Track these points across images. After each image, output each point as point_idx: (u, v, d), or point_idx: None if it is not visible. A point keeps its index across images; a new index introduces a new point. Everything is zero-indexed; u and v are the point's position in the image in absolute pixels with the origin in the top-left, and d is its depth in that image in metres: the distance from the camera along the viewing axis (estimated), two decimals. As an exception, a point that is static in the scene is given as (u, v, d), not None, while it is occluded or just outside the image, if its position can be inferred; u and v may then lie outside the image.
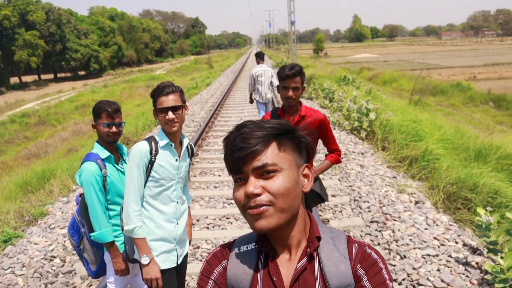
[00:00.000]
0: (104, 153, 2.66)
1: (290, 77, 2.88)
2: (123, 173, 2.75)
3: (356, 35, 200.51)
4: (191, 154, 2.69)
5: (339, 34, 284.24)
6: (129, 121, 14.37)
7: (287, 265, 1.11)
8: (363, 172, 6.27)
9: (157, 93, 2.40)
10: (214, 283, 1.16)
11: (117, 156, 2.78)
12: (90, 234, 2.60)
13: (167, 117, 2.36)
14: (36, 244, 4.61)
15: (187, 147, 2.60)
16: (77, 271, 4.05)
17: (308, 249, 1.10)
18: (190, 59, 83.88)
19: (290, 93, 2.90)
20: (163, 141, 2.44)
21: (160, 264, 2.47)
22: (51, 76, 63.23)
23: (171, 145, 2.46)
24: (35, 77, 60.81)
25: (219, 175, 6.93)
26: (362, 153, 7.37)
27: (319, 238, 1.11)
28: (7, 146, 19.66)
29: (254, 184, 1.04)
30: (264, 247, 1.14)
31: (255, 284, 1.12)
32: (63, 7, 65.14)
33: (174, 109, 2.37)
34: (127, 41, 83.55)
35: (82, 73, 64.86)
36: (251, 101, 8.83)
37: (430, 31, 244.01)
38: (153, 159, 2.40)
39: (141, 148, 2.38)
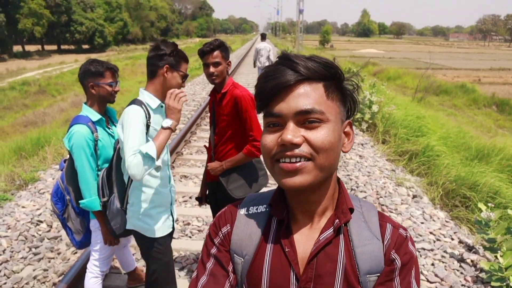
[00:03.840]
0: (95, 116, 2.51)
1: (208, 52, 2.70)
2: (113, 136, 2.63)
3: (363, 30, 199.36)
4: None
5: (347, 27, 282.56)
6: (129, 97, 14.20)
7: (307, 234, 0.94)
8: (362, 163, 6.17)
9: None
10: (217, 249, 1.00)
11: (107, 119, 2.65)
12: (79, 202, 2.45)
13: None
14: (23, 207, 4.51)
15: None
16: (63, 237, 3.96)
17: (337, 221, 0.91)
18: (195, 41, 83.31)
19: (211, 69, 2.70)
20: (155, 103, 2.28)
21: (159, 231, 2.39)
22: (54, 47, 62.67)
23: (162, 106, 2.32)
24: (39, 47, 60.25)
25: (191, 154, 6.82)
26: (362, 144, 7.27)
27: (351, 210, 0.94)
28: (5, 112, 19.45)
29: (294, 132, 0.84)
30: (278, 212, 0.96)
31: (263, 253, 0.95)
32: (71, -22, 64.21)
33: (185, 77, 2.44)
34: (133, 18, 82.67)
35: (86, 46, 64.21)
36: (254, 66, 12.51)
37: (438, 32, 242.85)
38: (148, 123, 2.23)
39: (139, 113, 2.18)
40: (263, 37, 13.18)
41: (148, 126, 2.22)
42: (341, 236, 0.92)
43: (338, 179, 0.99)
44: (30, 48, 57.75)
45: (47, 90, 24.98)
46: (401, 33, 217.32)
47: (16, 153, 7.30)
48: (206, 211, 4.71)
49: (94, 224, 2.58)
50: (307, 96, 0.85)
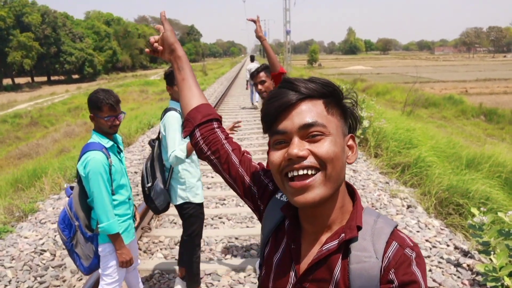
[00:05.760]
0: (108, 143, 2.58)
1: (255, 75, 3.40)
2: (122, 162, 2.72)
3: (350, 48, 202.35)
4: None
5: (334, 46, 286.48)
6: (123, 124, 14.29)
7: (312, 241, 1.00)
8: (355, 177, 6.30)
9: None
10: (265, 188, 1.16)
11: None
12: (99, 226, 2.50)
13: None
14: (26, 238, 4.56)
15: None
16: (67, 265, 4.01)
17: (343, 235, 0.93)
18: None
19: (259, 86, 3.38)
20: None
21: (202, 198, 3.35)
22: (44, 78, 62.84)
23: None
24: (28, 79, 60.42)
25: (212, 177, 6.92)
26: (355, 159, 7.40)
27: (359, 228, 0.94)
28: (-2, 146, 19.43)
29: (299, 146, 0.90)
30: (286, 210, 1.04)
31: (277, 241, 1.06)
32: (59, 10, 64.94)
33: None
34: (122, 46, 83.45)
35: (76, 76, 64.51)
36: (247, 88, 14.93)
37: (423, 46, 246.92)
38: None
39: (177, 117, 3.06)
40: (252, 58, 15.72)
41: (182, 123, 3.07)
42: (343, 251, 0.93)
43: (356, 194, 1.02)
44: (20, 80, 57.89)
45: (39, 121, 25.00)
46: (387, 49, 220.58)
47: (12, 185, 7.34)
48: (206, 232, 4.78)
49: (104, 249, 2.62)
50: (309, 111, 0.92)
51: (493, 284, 3.08)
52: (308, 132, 0.91)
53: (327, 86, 0.95)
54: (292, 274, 0.99)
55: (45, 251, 4.25)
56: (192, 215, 3.31)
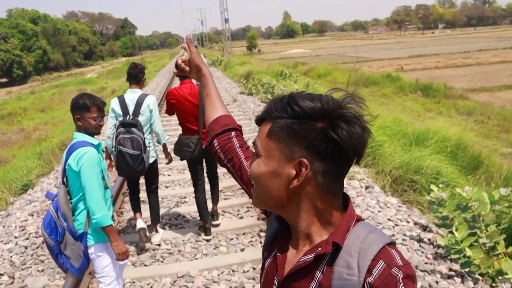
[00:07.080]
0: (95, 141, 2.69)
1: None
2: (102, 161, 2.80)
3: (287, 32, 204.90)
4: None
5: (271, 30, 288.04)
6: (64, 127, 13.67)
7: (293, 252, 1.01)
8: (313, 163, 6.41)
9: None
10: None
11: None
12: (92, 218, 2.53)
13: None
14: (-23, 263, 4.24)
15: None
16: (29, 286, 3.79)
17: (319, 249, 0.92)
18: (121, 61, 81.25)
19: None
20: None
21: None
22: (-32, 84, 58.46)
23: None
24: (-50, 86, 55.92)
25: (169, 175, 6.79)
26: (310, 145, 7.54)
27: (335, 244, 0.91)
28: None
29: (252, 159, 1.03)
30: (279, 218, 1.06)
31: (271, 248, 1.10)
32: (-22, 9, 60.28)
33: None
34: (52, 45, 79.19)
35: (3, 80, 60.53)
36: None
37: (358, 26, 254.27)
38: None
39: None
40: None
41: None
42: (324, 264, 0.92)
43: (348, 209, 0.98)
44: None
45: (-32, 131, 23.25)
46: (323, 30, 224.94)
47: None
48: (172, 233, 4.70)
49: (95, 250, 2.64)
50: (258, 132, 1.01)
51: (457, 256, 3.27)
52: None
53: (275, 109, 0.94)
54: (276, 280, 1.03)
55: (2, 274, 3.98)
56: (157, 168, 4.49)
